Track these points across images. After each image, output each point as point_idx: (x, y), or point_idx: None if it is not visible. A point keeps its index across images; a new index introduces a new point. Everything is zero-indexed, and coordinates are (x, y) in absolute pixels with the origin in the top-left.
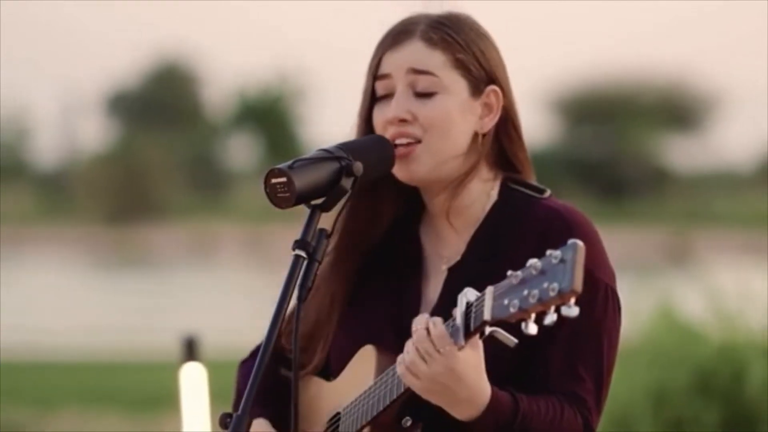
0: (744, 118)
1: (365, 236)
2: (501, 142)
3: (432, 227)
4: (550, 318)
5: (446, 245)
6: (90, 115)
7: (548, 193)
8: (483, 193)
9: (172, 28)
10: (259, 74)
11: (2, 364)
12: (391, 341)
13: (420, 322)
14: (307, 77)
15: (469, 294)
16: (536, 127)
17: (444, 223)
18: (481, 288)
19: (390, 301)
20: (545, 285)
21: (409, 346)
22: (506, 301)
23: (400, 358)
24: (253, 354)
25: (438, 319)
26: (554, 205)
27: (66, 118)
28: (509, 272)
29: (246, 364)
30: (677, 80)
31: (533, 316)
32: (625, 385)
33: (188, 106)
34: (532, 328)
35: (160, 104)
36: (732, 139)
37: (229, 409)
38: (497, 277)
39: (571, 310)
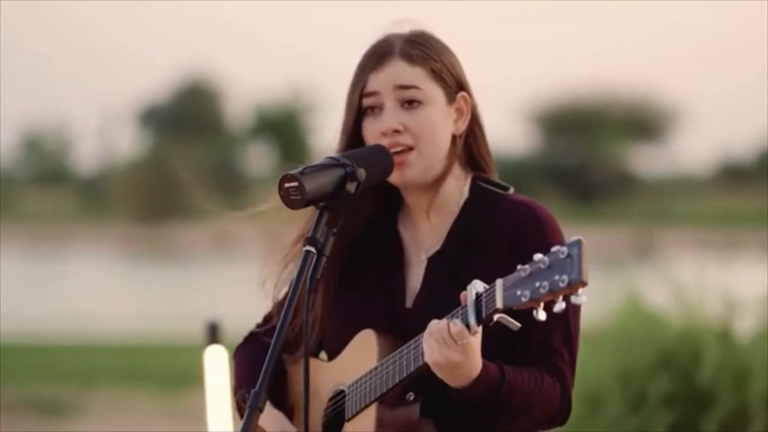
0: (701, 129)
1: (348, 234)
2: (469, 144)
3: (410, 222)
4: (559, 306)
5: (424, 237)
6: (125, 127)
7: (512, 189)
8: (456, 190)
9: (198, 50)
10: (275, 90)
11: (47, 346)
12: (382, 325)
13: (442, 322)
14: (318, 93)
15: (477, 285)
16: (517, 137)
17: (422, 217)
18: (459, 273)
19: (378, 290)
20: (555, 277)
21: (435, 322)
22: (518, 292)
23: (428, 330)
24: (247, 340)
25: (457, 321)
26: (520, 200)
27: (104, 129)
28: (518, 266)
29: (241, 349)
30: (642, 96)
31: (542, 304)
32: (595, 365)
33: (211, 118)
34: (542, 315)
35: (186, 117)
36: (690, 148)
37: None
38: (472, 263)
39: (580, 299)
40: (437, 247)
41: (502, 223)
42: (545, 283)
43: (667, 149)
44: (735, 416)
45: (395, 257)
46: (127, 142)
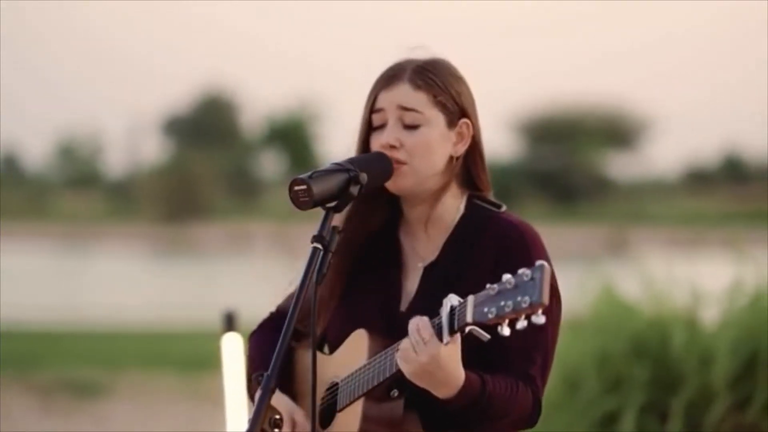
0: (670, 137)
1: (359, 238)
2: (468, 165)
3: (410, 232)
4: (521, 324)
5: (422, 248)
6: (151, 135)
7: (504, 207)
8: (453, 206)
9: (216, 64)
10: (285, 101)
11: (79, 333)
12: (379, 325)
13: (413, 322)
14: (324, 104)
15: (452, 299)
16: (503, 144)
17: (420, 229)
18: (451, 283)
19: (377, 293)
20: (518, 298)
21: (405, 339)
22: (485, 309)
23: (399, 345)
24: (261, 326)
25: (425, 318)
26: (510, 219)
27: (131, 137)
28: (487, 285)
29: (255, 334)
30: (617, 106)
31: (507, 321)
32: (574, 350)
33: (228, 127)
34: (506, 331)
35: (206, 126)
36: (661, 154)
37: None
38: (463, 275)
39: (539, 318)
40: (432, 258)
41: (491, 240)
42: (509, 303)
43: (640, 155)
44: (701, 396)
45: (395, 264)
46: (152, 149)
